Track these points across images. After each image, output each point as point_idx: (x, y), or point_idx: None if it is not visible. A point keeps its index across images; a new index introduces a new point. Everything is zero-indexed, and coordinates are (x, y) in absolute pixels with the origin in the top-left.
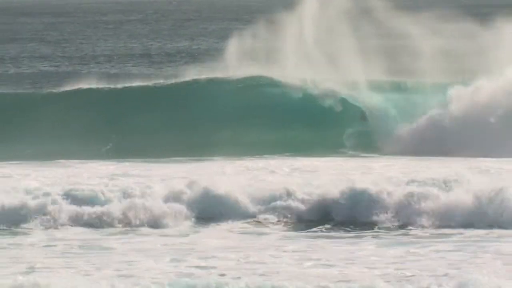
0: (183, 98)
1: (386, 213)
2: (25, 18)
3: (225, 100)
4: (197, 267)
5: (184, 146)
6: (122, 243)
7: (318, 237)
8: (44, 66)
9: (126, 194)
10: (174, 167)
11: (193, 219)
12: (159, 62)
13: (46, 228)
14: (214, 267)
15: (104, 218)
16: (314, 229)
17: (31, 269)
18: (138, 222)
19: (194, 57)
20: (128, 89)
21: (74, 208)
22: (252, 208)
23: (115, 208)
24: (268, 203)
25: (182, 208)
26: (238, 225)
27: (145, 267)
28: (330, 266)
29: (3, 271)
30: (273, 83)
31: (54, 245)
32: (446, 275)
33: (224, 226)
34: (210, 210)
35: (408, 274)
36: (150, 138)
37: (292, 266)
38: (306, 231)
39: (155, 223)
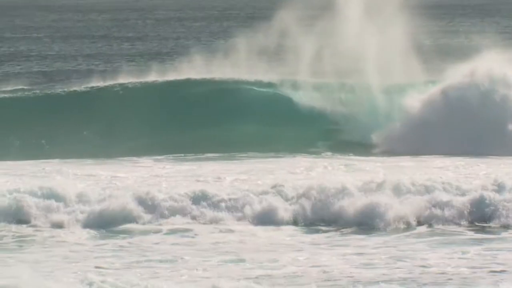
0: (229, 96)
1: (438, 212)
2: (95, 15)
3: (272, 100)
4: (257, 266)
5: (234, 143)
6: (178, 241)
7: (368, 236)
8: (117, 62)
9: (175, 193)
10: (228, 165)
11: (247, 218)
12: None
13: (97, 228)
14: (269, 267)
15: (157, 216)
16: (363, 229)
17: (90, 270)
18: (192, 220)
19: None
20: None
21: (127, 207)
22: (305, 208)
23: (165, 207)
24: (318, 203)
25: (235, 207)
26: (291, 224)
27: (204, 265)
28: (379, 266)
29: (57, 272)
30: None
31: (105, 244)
32: (502, 272)
33: (277, 225)
34: (261, 209)
35: (467, 272)
36: (198, 134)
37: (348, 267)
38: (355, 231)
39: (208, 221)
